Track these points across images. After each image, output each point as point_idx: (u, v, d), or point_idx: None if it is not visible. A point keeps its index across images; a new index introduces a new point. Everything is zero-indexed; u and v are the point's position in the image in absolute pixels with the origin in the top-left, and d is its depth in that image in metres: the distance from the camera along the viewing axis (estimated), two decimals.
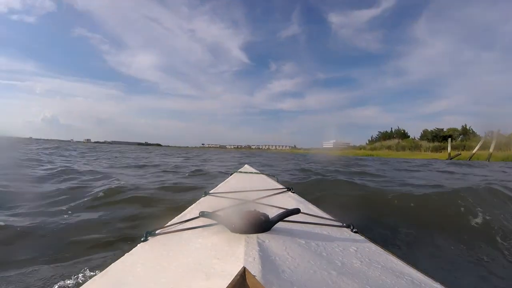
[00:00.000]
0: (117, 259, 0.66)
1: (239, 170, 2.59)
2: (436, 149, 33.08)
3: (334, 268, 0.53)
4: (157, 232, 0.82)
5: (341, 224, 0.87)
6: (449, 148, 26.70)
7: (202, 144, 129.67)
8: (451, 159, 24.16)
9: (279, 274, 0.47)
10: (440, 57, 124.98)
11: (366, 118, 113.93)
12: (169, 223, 0.89)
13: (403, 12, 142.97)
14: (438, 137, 36.24)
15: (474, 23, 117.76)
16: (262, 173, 2.35)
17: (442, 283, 0.54)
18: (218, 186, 1.75)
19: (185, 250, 0.64)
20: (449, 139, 28.58)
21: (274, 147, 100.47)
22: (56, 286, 1.23)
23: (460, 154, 25.33)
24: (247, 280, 0.41)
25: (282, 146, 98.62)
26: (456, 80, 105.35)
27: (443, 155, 28.26)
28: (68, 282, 1.23)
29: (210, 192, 1.45)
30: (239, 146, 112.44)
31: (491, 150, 22.35)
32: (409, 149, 36.17)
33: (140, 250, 0.72)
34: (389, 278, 0.52)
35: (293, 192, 1.46)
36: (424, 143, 35.78)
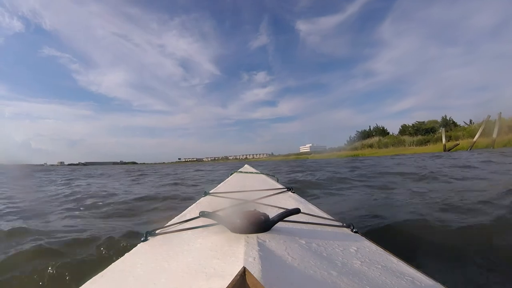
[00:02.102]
0: (117, 259, 0.66)
1: (239, 170, 2.51)
2: (421, 143, 29.48)
3: (334, 268, 0.53)
4: (157, 232, 0.80)
5: (341, 224, 0.85)
6: (443, 139, 23.56)
7: (179, 159, 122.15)
8: (448, 150, 20.26)
9: (279, 274, 0.46)
10: (406, 56, 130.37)
11: (339, 121, 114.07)
12: (169, 223, 0.88)
13: (368, 16, 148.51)
14: (420, 131, 32.90)
15: (436, 21, 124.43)
16: (262, 173, 2.27)
17: (442, 283, 0.54)
18: (218, 186, 1.72)
19: (185, 250, 0.64)
20: (443, 129, 25.56)
21: (251, 156, 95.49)
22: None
23: (459, 143, 21.59)
24: (247, 280, 0.40)
25: (259, 154, 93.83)
26: (422, 77, 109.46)
27: (435, 147, 24.52)
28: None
29: (210, 192, 1.43)
30: (216, 158, 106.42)
31: (494, 135, 18.91)
32: (393, 145, 32.41)
33: (140, 250, 0.71)
34: (389, 278, 0.52)
35: (293, 192, 1.41)
36: (407, 138, 32.36)
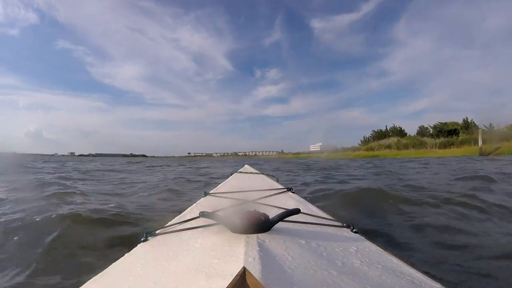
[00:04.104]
0: (117, 259, 0.66)
1: (239, 170, 2.51)
2: (444, 145, 27.68)
3: (334, 268, 0.53)
4: (157, 232, 0.80)
5: (341, 224, 0.85)
6: (480, 142, 21.39)
7: (188, 153, 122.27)
8: (487, 155, 18.42)
9: (279, 274, 0.46)
10: (420, 56, 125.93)
11: (351, 120, 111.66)
12: (169, 223, 0.88)
13: (383, 15, 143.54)
14: (443, 132, 31.00)
15: (452, 21, 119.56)
16: (262, 173, 2.25)
17: (442, 283, 0.54)
18: (218, 186, 1.70)
19: (185, 250, 0.63)
20: (479, 130, 23.15)
21: (261, 153, 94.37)
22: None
23: (499, 147, 19.75)
24: (247, 280, 0.40)
25: (270, 151, 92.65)
26: (437, 78, 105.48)
27: (465, 150, 22.64)
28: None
29: (210, 192, 1.41)
30: (225, 154, 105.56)
31: None
32: (413, 147, 30.66)
33: (140, 250, 0.71)
34: (389, 278, 0.52)
35: (293, 192, 1.40)
36: (429, 140, 30.48)
